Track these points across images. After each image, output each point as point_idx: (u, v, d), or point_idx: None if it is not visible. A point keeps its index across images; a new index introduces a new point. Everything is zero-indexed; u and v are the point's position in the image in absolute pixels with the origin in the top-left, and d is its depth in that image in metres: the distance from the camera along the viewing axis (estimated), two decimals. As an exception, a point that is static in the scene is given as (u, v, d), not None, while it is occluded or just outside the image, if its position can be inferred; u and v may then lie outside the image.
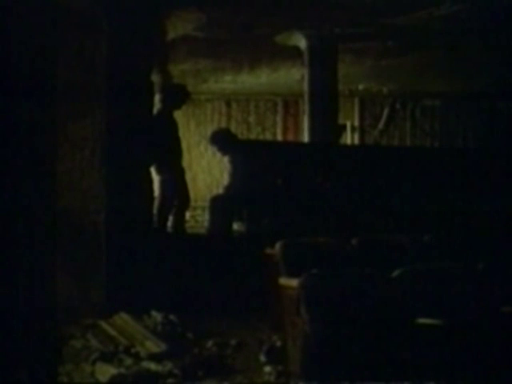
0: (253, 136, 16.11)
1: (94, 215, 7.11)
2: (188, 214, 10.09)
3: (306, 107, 11.41)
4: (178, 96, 8.85)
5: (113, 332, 6.30)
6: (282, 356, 5.55)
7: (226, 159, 9.28)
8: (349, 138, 16.83)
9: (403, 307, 4.87)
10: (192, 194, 9.42)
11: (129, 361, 5.55)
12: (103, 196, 7.13)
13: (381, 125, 17.06)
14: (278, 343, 5.98)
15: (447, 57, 12.14)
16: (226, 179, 9.39)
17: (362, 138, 17.02)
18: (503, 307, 4.97)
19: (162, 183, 8.61)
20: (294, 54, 11.37)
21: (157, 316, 6.68)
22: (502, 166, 9.61)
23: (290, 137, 16.70)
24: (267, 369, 5.41)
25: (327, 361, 4.69)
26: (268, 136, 16.76)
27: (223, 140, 9.28)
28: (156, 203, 8.41)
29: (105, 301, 6.99)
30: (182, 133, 9.19)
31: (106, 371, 5.29)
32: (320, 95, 11.07)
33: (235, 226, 9.04)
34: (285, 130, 16.85)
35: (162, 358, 5.61)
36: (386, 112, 17.03)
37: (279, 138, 16.81)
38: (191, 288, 7.48)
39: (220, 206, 8.85)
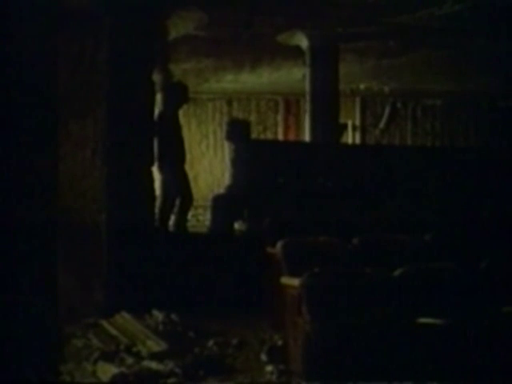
0: (254, 135, 16.11)
1: (96, 215, 7.12)
2: (189, 214, 10.09)
3: (307, 106, 11.41)
4: (180, 95, 8.85)
5: (114, 331, 6.31)
6: (284, 355, 5.56)
7: (228, 150, 9.27)
8: (350, 138, 16.84)
9: (403, 307, 4.88)
10: (193, 194, 9.42)
11: (130, 360, 5.56)
12: (104, 195, 7.14)
13: (382, 124, 17.07)
14: (280, 342, 5.98)
15: (448, 56, 12.14)
16: (227, 174, 9.39)
17: (363, 137, 17.03)
18: (503, 307, 4.98)
19: (164, 182, 8.61)
20: (296, 53, 11.37)
21: (158, 315, 6.69)
22: (502, 165, 9.61)
23: (292, 136, 16.71)
24: (268, 368, 5.41)
25: (328, 360, 4.70)
26: (269, 135, 16.77)
27: (235, 130, 9.27)
28: (158, 202, 8.42)
29: (106, 300, 7.00)
30: (183, 132, 9.21)
31: (108, 370, 5.30)
32: (321, 94, 11.08)
33: (236, 226, 9.05)
34: (286, 130, 16.85)
35: (163, 357, 5.62)
36: (387, 111, 17.04)
37: (280, 137, 16.81)
38: (192, 287, 7.49)
39: (222, 205, 8.86)
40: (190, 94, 9.39)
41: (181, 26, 9.80)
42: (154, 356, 5.65)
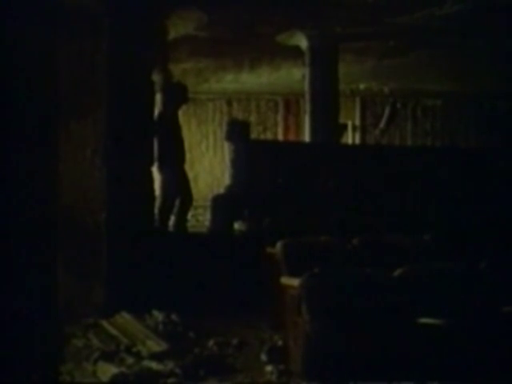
0: (254, 135, 16.11)
1: (96, 214, 7.11)
2: (189, 214, 10.10)
3: (307, 107, 11.42)
4: (180, 95, 8.86)
5: (114, 331, 6.31)
6: (284, 355, 5.55)
7: (228, 150, 9.28)
8: (350, 138, 16.84)
9: (403, 307, 4.88)
10: (193, 194, 9.42)
11: (130, 360, 5.56)
12: (104, 195, 7.14)
13: (382, 124, 17.07)
14: (279, 342, 5.98)
15: (448, 56, 12.15)
16: (227, 174, 9.39)
17: (363, 137, 17.03)
18: (503, 307, 4.99)
19: (164, 183, 8.62)
20: (295, 53, 11.38)
21: (158, 315, 6.69)
22: (502, 166, 9.61)
23: (291, 136, 16.71)
24: (268, 368, 5.41)
25: (328, 360, 4.70)
26: (269, 135, 16.77)
27: (235, 130, 9.29)
28: (158, 203, 8.42)
29: (106, 300, 7.00)
30: (183, 132, 9.21)
31: (108, 370, 5.30)
32: (321, 95, 11.08)
33: (236, 226, 9.05)
34: (286, 130, 16.86)
35: (164, 357, 5.62)
36: (387, 111, 17.04)
37: (280, 137, 16.81)
38: (192, 287, 7.49)
39: (222, 205, 8.86)
40: (190, 94, 9.40)
41: (181, 26, 9.80)
42: (154, 356, 5.65)
